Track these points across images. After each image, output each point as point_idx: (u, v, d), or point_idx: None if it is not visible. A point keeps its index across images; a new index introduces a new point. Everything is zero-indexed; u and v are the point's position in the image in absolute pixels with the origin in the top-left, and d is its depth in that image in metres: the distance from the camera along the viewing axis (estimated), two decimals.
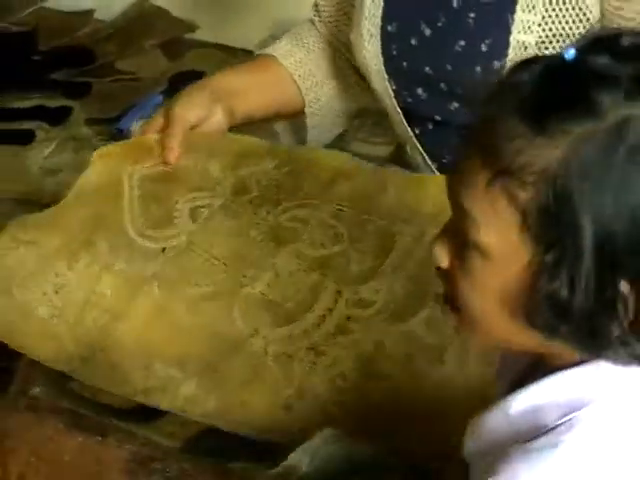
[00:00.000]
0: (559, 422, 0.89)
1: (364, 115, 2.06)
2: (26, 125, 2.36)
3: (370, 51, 1.74)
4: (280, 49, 1.89)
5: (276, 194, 1.62)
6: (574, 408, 0.89)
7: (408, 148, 1.81)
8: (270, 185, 1.63)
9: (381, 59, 1.73)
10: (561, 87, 0.83)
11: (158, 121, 1.70)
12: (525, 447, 0.90)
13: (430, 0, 1.69)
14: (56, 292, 1.50)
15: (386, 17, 1.72)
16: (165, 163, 1.66)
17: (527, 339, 0.90)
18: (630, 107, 0.79)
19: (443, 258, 0.91)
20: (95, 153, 1.71)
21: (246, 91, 1.81)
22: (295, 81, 1.88)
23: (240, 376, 1.37)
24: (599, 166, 0.79)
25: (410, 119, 1.77)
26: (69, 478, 1.28)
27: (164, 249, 1.56)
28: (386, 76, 1.74)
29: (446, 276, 0.93)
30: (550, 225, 0.81)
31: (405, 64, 1.72)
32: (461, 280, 0.90)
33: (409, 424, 1.30)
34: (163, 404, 1.33)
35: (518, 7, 1.59)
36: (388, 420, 1.30)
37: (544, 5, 1.58)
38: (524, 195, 0.81)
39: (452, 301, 0.94)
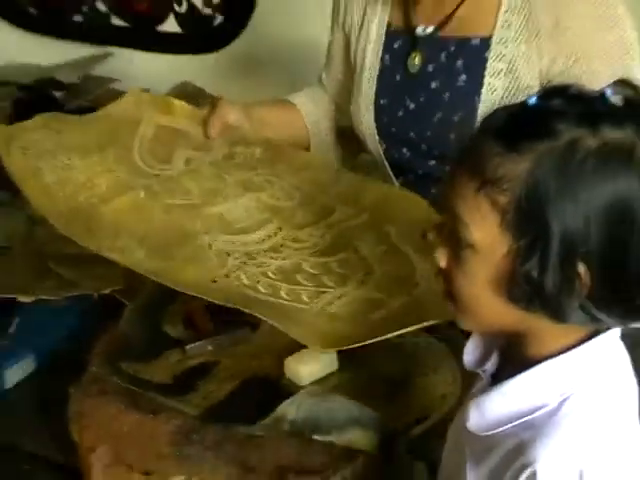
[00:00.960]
0: (557, 403, 1.01)
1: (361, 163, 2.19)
2: None
3: (366, 120, 1.88)
4: (298, 99, 2.09)
5: (255, 165, 1.87)
6: (567, 389, 1.01)
7: None
8: (253, 160, 1.88)
9: (374, 126, 1.87)
10: (528, 119, 0.98)
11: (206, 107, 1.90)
12: (540, 419, 1.01)
13: (413, 81, 1.81)
14: (63, 169, 1.71)
15: (378, 94, 1.86)
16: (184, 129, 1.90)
17: (511, 317, 1.02)
18: (578, 132, 0.93)
19: (442, 260, 1.05)
20: (130, 90, 1.98)
21: (270, 121, 1.98)
22: (306, 124, 2.08)
23: (183, 255, 1.59)
24: (558, 174, 0.93)
25: (396, 171, 1.89)
26: (128, 448, 1.38)
27: (157, 175, 1.80)
28: (378, 138, 1.88)
29: (445, 275, 1.06)
30: (523, 221, 0.95)
31: (394, 130, 1.86)
32: (457, 274, 1.03)
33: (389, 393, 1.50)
34: (118, 260, 1.53)
35: (484, 90, 1.71)
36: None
37: (503, 89, 1.70)
38: (502, 199, 0.95)
39: (450, 294, 1.06)
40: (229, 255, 1.61)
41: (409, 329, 1.35)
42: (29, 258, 2.04)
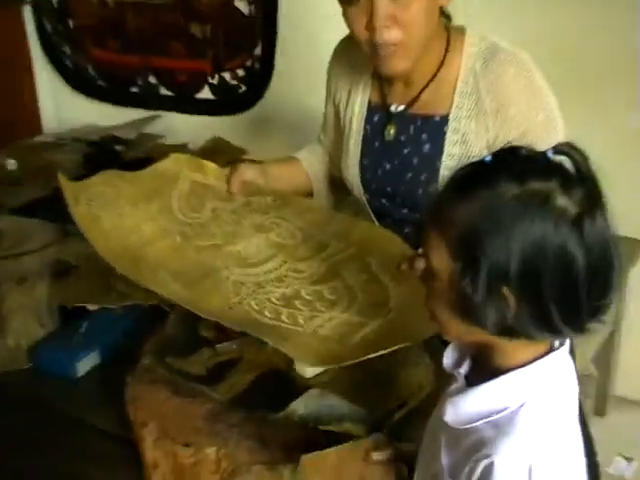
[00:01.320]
0: (516, 407, 0.99)
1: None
2: None
3: (352, 176, 1.87)
4: (302, 155, 2.06)
5: (266, 211, 1.86)
6: (525, 396, 0.99)
7: None
8: (264, 206, 1.87)
9: (360, 181, 1.86)
10: (478, 173, 0.98)
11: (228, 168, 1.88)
12: (501, 420, 1.00)
13: (389, 147, 1.80)
14: (117, 217, 1.71)
15: (362, 156, 1.85)
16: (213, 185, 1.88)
17: (472, 333, 1.00)
18: (510, 183, 0.92)
19: (418, 272, 1.07)
20: (171, 155, 1.93)
21: (280, 176, 1.96)
22: (308, 175, 2.05)
23: (207, 287, 1.59)
24: (487, 216, 0.93)
25: (377, 216, 1.87)
26: (172, 425, 1.40)
27: (190, 223, 1.79)
28: (362, 190, 1.87)
29: (425, 300, 1.06)
30: (463, 253, 0.95)
31: (374, 185, 1.84)
32: (429, 299, 1.04)
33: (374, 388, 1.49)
34: (157, 290, 1.52)
35: (444, 156, 1.70)
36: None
37: (459, 156, 1.69)
38: (451, 234, 0.96)
39: (429, 311, 1.06)
40: (242, 285, 1.62)
41: (381, 352, 1.33)
42: (94, 275, 2.01)
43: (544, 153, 0.98)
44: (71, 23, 3.46)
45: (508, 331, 0.97)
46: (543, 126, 1.65)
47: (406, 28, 1.57)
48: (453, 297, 0.98)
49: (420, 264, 1.07)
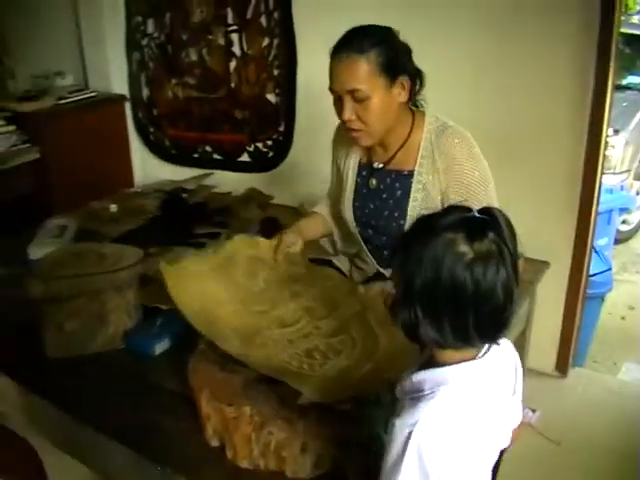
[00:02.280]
0: (428, 391, 0.96)
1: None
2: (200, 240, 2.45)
3: (348, 213, 1.84)
4: (319, 209, 1.99)
5: (301, 278, 1.78)
6: (437, 384, 0.97)
7: (364, 253, 1.88)
8: (300, 276, 1.79)
9: (353, 218, 1.84)
10: (423, 225, 0.97)
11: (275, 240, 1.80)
12: (416, 397, 0.97)
13: (373, 193, 1.78)
14: (197, 285, 1.63)
15: (355, 200, 1.83)
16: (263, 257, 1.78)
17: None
18: (445, 236, 0.91)
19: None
20: (234, 237, 1.84)
21: (310, 228, 1.91)
22: (328, 222, 1.99)
23: (256, 343, 1.53)
24: (407, 243, 0.95)
25: (365, 242, 1.85)
26: (219, 390, 1.38)
27: (247, 290, 1.71)
28: (354, 223, 1.84)
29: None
30: (400, 294, 0.96)
31: (363, 220, 1.82)
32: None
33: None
34: (220, 345, 1.47)
35: (410, 199, 1.70)
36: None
37: (421, 199, 1.69)
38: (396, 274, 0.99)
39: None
40: (279, 342, 1.55)
41: (368, 388, 1.33)
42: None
43: (469, 209, 0.95)
44: (155, 111, 3.48)
45: (426, 338, 0.96)
46: (479, 181, 1.65)
47: (366, 123, 1.60)
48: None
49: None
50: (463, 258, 0.89)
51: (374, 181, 1.78)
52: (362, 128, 1.61)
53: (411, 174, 1.70)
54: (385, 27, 1.59)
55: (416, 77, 1.63)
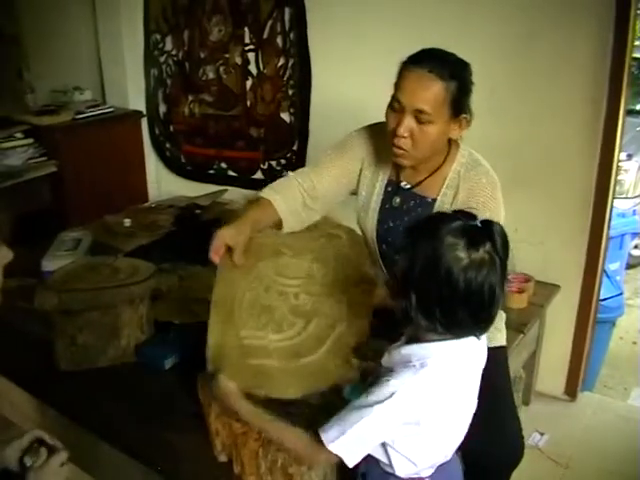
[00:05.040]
0: (416, 362, 1.07)
1: None
2: None
3: (371, 226, 1.77)
4: (271, 196, 1.69)
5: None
6: (424, 357, 1.07)
7: (377, 263, 1.81)
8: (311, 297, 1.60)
9: (375, 232, 1.77)
10: (422, 226, 1.08)
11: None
12: (405, 367, 1.07)
13: (395, 212, 1.73)
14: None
15: (379, 214, 1.75)
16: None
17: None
18: (441, 235, 1.00)
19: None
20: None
21: (256, 221, 1.61)
22: (278, 213, 1.68)
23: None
24: (415, 245, 1.02)
25: (380, 256, 1.79)
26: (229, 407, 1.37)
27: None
28: (374, 238, 1.77)
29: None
30: (399, 280, 1.05)
31: (381, 235, 1.76)
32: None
33: None
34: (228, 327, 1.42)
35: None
36: None
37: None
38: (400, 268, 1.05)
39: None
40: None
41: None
42: (177, 300, 2.05)
43: (474, 217, 1.05)
44: (171, 128, 3.51)
45: (417, 321, 1.05)
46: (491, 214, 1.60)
47: (417, 144, 1.55)
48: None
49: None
50: (461, 262, 1.00)
51: (397, 199, 1.74)
52: (409, 149, 1.57)
53: (434, 201, 1.68)
54: (465, 61, 1.56)
55: (470, 116, 1.60)
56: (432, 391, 1.07)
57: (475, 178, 1.62)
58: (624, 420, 2.65)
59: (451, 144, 1.68)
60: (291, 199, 1.71)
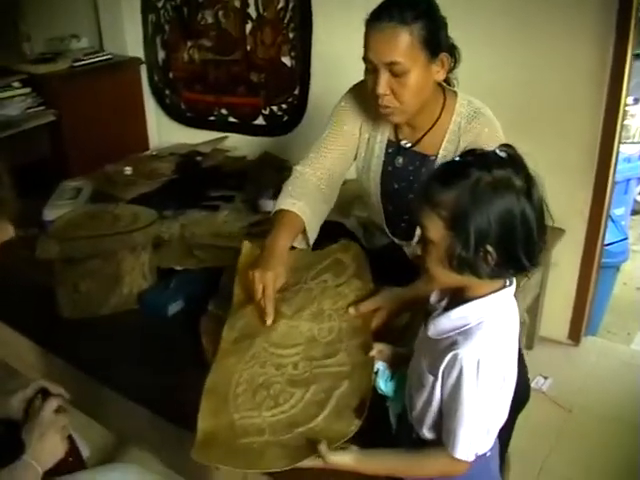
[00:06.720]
0: (475, 322, 1.04)
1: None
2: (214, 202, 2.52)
3: (374, 188, 1.75)
4: (295, 207, 1.64)
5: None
6: (482, 313, 1.04)
7: (382, 223, 1.81)
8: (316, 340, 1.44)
9: (379, 194, 1.75)
10: (453, 168, 1.02)
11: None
12: (467, 330, 1.03)
13: (399, 172, 1.69)
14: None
15: (382, 172, 1.72)
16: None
17: (454, 279, 1.03)
18: (479, 173, 0.97)
19: (418, 251, 1.07)
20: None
21: (289, 242, 1.61)
22: (304, 223, 1.65)
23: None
24: (470, 198, 0.96)
25: (385, 215, 1.79)
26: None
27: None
28: (379, 199, 1.76)
29: (422, 261, 1.06)
30: (455, 225, 0.98)
31: (387, 197, 1.75)
32: (426, 258, 1.04)
33: None
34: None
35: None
36: None
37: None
38: (444, 213, 0.99)
39: (424, 267, 1.06)
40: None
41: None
42: (181, 246, 2.05)
43: (494, 151, 1.02)
44: (171, 74, 3.46)
45: (486, 274, 1.01)
46: None
47: (400, 97, 1.50)
48: (446, 256, 1.00)
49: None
50: (522, 191, 0.98)
51: (400, 160, 1.70)
52: (395, 105, 1.52)
53: (435, 157, 1.64)
54: None
55: (452, 53, 1.54)
56: (501, 342, 1.05)
57: (476, 130, 1.57)
58: (627, 365, 2.67)
59: (446, 92, 1.62)
60: (312, 198, 1.69)
